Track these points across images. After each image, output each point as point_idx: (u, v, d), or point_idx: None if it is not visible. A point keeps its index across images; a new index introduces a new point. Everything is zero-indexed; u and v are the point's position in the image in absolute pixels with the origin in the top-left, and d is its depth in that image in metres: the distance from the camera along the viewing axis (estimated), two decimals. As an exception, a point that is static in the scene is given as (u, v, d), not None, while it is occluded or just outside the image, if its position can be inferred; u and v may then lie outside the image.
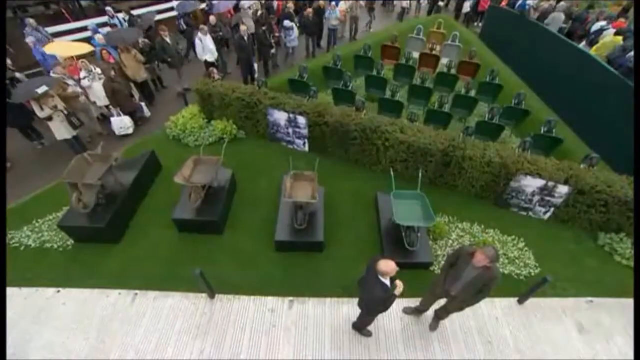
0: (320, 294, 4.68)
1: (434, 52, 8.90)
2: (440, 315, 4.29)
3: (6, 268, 3.99)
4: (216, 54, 7.95)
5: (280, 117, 6.54)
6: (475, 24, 13.89)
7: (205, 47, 7.60)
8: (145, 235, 5.24)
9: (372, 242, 5.29)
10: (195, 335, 4.25)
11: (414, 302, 4.55)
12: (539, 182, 5.48)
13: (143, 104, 7.35)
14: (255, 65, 7.96)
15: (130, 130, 6.95)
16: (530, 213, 5.98)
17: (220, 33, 8.45)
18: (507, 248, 5.41)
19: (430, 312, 4.52)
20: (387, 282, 3.36)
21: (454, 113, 7.57)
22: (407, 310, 4.58)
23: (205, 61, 7.75)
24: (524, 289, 4.76)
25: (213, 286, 4.58)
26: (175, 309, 4.48)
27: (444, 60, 9.10)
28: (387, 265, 3.20)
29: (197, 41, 7.63)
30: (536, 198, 5.72)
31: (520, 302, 4.81)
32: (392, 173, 5.54)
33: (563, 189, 5.43)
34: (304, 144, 6.81)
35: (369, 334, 4.31)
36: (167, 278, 4.73)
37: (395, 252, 4.94)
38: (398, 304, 4.65)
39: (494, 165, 5.64)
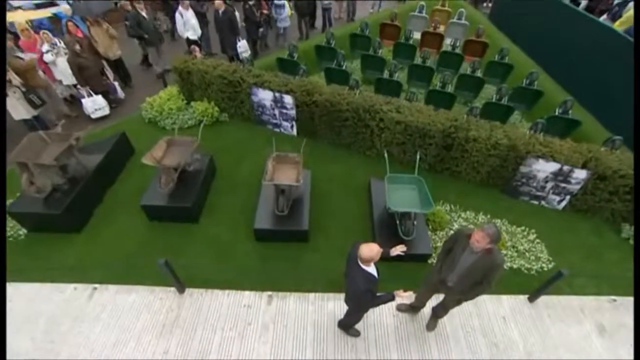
0: (304, 288, 4.34)
1: (437, 31, 8.49)
2: (438, 313, 3.91)
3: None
4: (199, 31, 7.61)
5: (265, 97, 6.20)
6: (485, 4, 13.47)
7: (187, 22, 7.25)
8: (111, 224, 4.92)
9: (363, 232, 4.93)
10: (159, 333, 3.91)
11: (408, 299, 4.17)
12: (553, 167, 5.07)
13: (117, 84, 7.02)
14: (241, 44, 7.57)
15: (107, 111, 6.60)
16: (543, 202, 5.57)
17: (205, 7, 8.10)
18: (516, 240, 5.03)
19: (427, 310, 4.15)
20: (373, 270, 2.99)
21: (459, 96, 7.18)
22: (401, 308, 4.21)
23: (187, 39, 7.43)
24: (536, 285, 4.38)
25: (183, 280, 4.25)
26: (139, 304, 4.14)
27: (448, 40, 8.69)
28: (370, 250, 2.83)
29: (177, 16, 7.27)
30: (550, 185, 5.31)
31: (531, 299, 4.42)
32: (386, 155, 5.18)
33: (581, 174, 5.02)
34: (292, 127, 6.47)
35: (356, 334, 3.94)
36: (133, 271, 4.39)
37: (388, 243, 4.43)
38: (391, 300, 4.28)
39: (501, 148, 5.24)
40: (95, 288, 4.27)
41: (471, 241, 2.89)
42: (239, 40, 7.41)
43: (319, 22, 10.80)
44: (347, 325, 3.87)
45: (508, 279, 4.58)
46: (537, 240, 5.06)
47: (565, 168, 5.01)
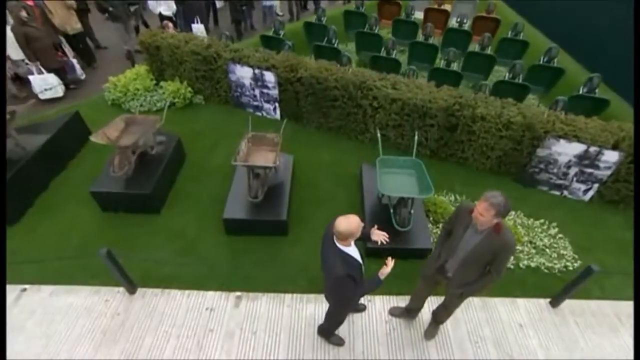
0: (279, 288, 3.92)
1: (442, 8, 8.19)
2: (438, 317, 3.44)
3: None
4: (174, 6, 7.32)
5: (244, 74, 5.85)
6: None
7: (159, -5, 6.98)
8: (55, 215, 4.50)
9: (352, 224, 4.50)
10: (99, 342, 3.45)
11: (405, 301, 3.72)
12: (576, 148, 4.65)
13: (75, 61, 6.69)
14: (196, 27, 7.21)
15: (60, 93, 6.23)
16: (566, 192, 5.14)
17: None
18: (534, 234, 4.61)
19: (427, 317, 3.69)
20: (354, 252, 2.57)
21: (466, 79, 6.81)
22: (395, 312, 3.74)
23: (160, 15, 7.14)
24: (559, 287, 3.92)
25: (136, 278, 3.83)
26: (77, 308, 3.69)
27: (454, 20, 8.38)
28: (349, 223, 2.40)
29: (148, -14, 7.03)
30: (573, 171, 4.89)
31: (554, 304, 3.97)
32: (379, 134, 4.79)
33: (611, 157, 4.59)
34: (275, 109, 6.11)
35: (340, 343, 3.47)
36: (75, 269, 3.96)
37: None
38: (382, 301, 3.84)
39: (514, 127, 4.82)
40: (24, 290, 3.82)
41: (474, 216, 2.46)
42: (196, 22, 7.11)
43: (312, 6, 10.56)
44: (329, 330, 3.41)
45: (525, 279, 4.16)
46: (560, 235, 4.64)
47: (592, 150, 4.59)
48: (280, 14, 9.46)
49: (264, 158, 4.48)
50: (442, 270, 2.95)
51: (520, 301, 3.99)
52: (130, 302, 3.77)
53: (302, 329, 3.59)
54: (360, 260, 2.62)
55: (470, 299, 3.91)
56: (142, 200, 4.44)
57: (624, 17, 7.01)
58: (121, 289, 3.84)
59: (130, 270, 3.79)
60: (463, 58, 7.02)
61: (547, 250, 4.46)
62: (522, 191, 5.18)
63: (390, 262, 2.67)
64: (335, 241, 2.50)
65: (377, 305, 3.82)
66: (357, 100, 5.43)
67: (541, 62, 6.56)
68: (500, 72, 7.48)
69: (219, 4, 9.19)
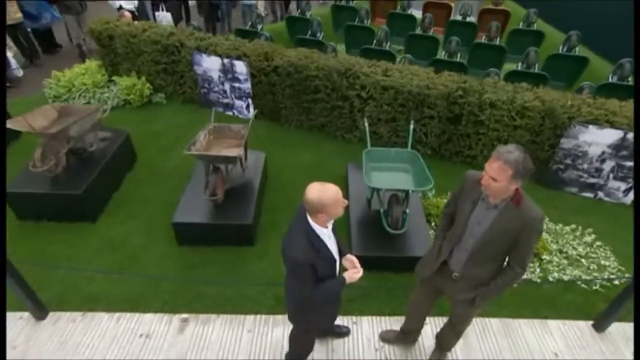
0: (239, 308, 3.49)
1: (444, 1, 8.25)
2: (444, 341, 2.98)
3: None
4: (136, 1, 7.33)
5: (211, 66, 5.69)
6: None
7: (119, -14, 6.96)
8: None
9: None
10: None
11: (399, 322, 3.24)
12: (611, 136, 4.37)
13: (11, 55, 6.51)
14: (161, 15, 7.15)
15: (-10, 90, 6.03)
16: (601, 194, 4.81)
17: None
18: (564, 242, 4.25)
19: (429, 341, 3.20)
20: (327, 238, 2.19)
21: (472, 74, 6.64)
22: (387, 337, 3.26)
23: (120, 9, 7.11)
24: (603, 306, 3.50)
25: (50, 299, 3.41)
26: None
27: (457, 15, 8.39)
28: (322, 191, 2.02)
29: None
30: (609, 165, 4.58)
31: (598, 327, 3.50)
32: (366, 124, 4.51)
33: (656, 145, 4.31)
34: (248, 106, 5.88)
35: (314, 378, 2.96)
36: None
37: (369, 245, 3.84)
38: (371, 323, 3.36)
39: (531, 115, 4.57)
40: None
41: (484, 185, 2.09)
42: (161, 9, 7.06)
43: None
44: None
45: (556, 296, 3.76)
46: (598, 243, 4.29)
47: (631, 137, 4.29)
48: (264, 13, 9.56)
49: (227, 151, 4.18)
50: (445, 271, 2.51)
51: (553, 324, 3.53)
52: (35, 330, 3.28)
53: (265, 358, 3.09)
54: (334, 254, 2.24)
55: (486, 320, 3.48)
56: (71, 204, 4.06)
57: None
58: (26, 314, 3.37)
59: (44, 290, 3.40)
60: (468, 52, 6.92)
61: (583, 260, 4.07)
62: (545, 193, 4.84)
63: (360, 272, 2.31)
64: (307, 215, 2.12)
65: (365, 329, 3.34)
66: (342, 91, 5.22)
67: (560, 51, 6.45)
68: (511, 68, 7.37)
69: (191, 3, 9.28)
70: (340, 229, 4.15)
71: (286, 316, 2.53)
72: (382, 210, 3.87)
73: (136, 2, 7.29)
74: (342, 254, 2.41)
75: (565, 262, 4.03)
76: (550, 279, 3.85)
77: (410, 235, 3.86)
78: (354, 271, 2.29)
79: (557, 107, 4.48)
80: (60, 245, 3.98)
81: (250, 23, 7.16)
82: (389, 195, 3.92)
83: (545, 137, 4.68)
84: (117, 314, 3.40)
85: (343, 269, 2.37)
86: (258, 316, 3.40)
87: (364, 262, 3.70)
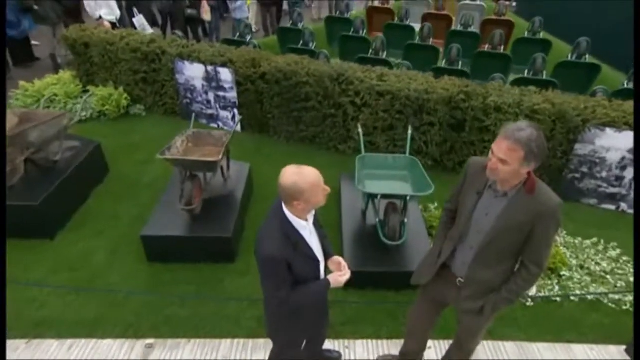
0: (215, 331, 3.28)
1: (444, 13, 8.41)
2: (451, 362, 2.73)
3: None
4: (118, 11, 7.40)
5: (194, 74, 5.69)
6: (508, 2, 13.98)
7: (100, -3, 7.05)
8: None
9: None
10: None
11: (398, 346, 3.01)
12: (631, 139, 4.28)
13: None
14: (137, 19, 7.27)
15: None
16: (624, 205, 4.69)
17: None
18: (585, 257, 4.12)
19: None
20: (307, 232, 2.04)
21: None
22: (385, 361, 3.01)
23: (100, 19, 7.18)
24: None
25: None
26: None
27: (458, 26, 8.54)
28: (298, 175, 1.87)
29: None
30: (630, 173, 4.47)
31: (631, 352, 3.25)
32: (360, 130, 4.42)
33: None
34: (234, 117, 5.81)
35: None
36: None
37: (364, 260, 3.68)
38: (365, 348, 3.13)
39: (541, 119, 4.50)
40: None
41: (490, 169, 1.95)
42: (136, 15, 7.15)
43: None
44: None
45: (580, 316, 3.55)
46: (625, 259, 4.14)
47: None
48: (255, 29, 9.73)
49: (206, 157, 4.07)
50: (448, 276, 2.32)
51: (578, 348, 3.30)
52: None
53: (241, 390, 2.85)
54: (316, 252, 2.08)
55: (500, 344, 3.26)
56: (27, 217, 3.88)
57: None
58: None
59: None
60: (470, 62, 6.96)
61: (609, 277, 3.91)
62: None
63: (347, 274, 2.14)
64: (282, 204, 1.97)
65: (359, 353, 3.11)
66: (335, 98, 5.18)
67: (570, 58, 6.51)
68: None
69: None
70: (332, 244, 4.02)
71: (268, 340, 2.33)
72: (377, 219, 3.71)
73: (118, 13, 7.40)
74: (328, 257, 2.24)
75: (588, 278, 3.86)
76: (572, 298, 3.65)
77: (410, 248, 3.71)
78: (340, 273, 2.12)
79: (569, 109, 4.41)
80: (9, 265, 3.76)
81: (238, 34, 7.22)
82: (385, 204, 3.78)
83: (557, 143, 4.59)
84: (69, 341, 3.16)
85: (329, 273, 2.20)
86: (235, 340, 3.17)
87: (359, 279, 3.59)
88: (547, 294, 3.66)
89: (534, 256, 2.05)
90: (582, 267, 3.98)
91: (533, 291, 3.65)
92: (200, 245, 3.81)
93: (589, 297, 3.69)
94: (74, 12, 7.37)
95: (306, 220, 2.02)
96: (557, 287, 3.72)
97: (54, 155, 4.40)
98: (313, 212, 2.10)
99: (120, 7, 7.77)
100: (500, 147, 1.87)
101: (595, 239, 4.30)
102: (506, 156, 1.85)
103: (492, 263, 2.14)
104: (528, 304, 3.57)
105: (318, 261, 2.08)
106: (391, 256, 3.66)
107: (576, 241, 4.26)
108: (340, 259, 2.22)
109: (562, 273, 3.81)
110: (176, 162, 3.80)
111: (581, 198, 4.75)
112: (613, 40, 8.03)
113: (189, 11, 8.48)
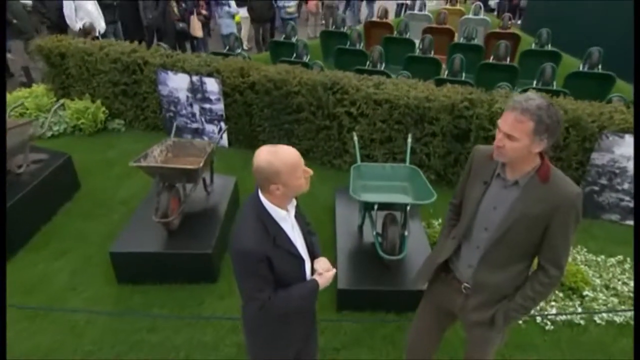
0: (190, 358, 3.08)
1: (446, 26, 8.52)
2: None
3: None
4: (102, 24, 7.46)
5: (178, 85, 5.68)
6: (512, 22, 14.28)
7: (81, 8, 7.09)
8: None
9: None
10: None
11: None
12: None
13: None
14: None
15: None
16: None
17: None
18: (610, 276, 3.99)
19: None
20: (287, 225, 1.93)
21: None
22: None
23: (81, 30, 7.25)
24: None
25: None
26: None
27: (461, 39, 8.65)
28: (273, 155, 1.76)
29: (64, -2, 7.16)
30: None
31: None
32: (355, 138, 4.36)
33: None
34: (220, 130, 5.75)
35: None
36: None
37: (360, 278, 3.58)
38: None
39: (553, 127, 4.43)
40: None
41: (497, 150, 1.84)
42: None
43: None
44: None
45: (608, 341, 3.40)
46: None
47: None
48: (247, 47, 9.86)
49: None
50: (451, 281, 2.17)
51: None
52: None
53: None
54: (299, 249, 1.95)
55: None
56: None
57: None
58: None
59: None
60: (475, 75, 6.98)
61: None
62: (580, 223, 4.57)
63: (331, 272, 2.04)
64: (259, 192, 1.85)
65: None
66: (329, 109, 5.14)
67: (581, 69, 6.56)
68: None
69: None
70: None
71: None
72: (374, 232, 3.57)
73: (103, 27, 7.47)
74: (314, 257, 2.10)
75: (615, 299, 3.71)
76: (598, 321, 3.49)
77: (411, 266, 3.56)
78: (325, 268, 2.02)
79: (583, 115, 4.37)
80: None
81: (227, 47, 7.26)
82: (383, 216, 3.65)
83: (571, 152, 4.52)
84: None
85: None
86: (213, 368, 2.98)
87: (354, 299, 3.45)
88: (568, 317, 3.49)
89: (552, 256, 1.91)
90: (607, 287, 3.83)
91: (553, 312, 3.48)
92: (176, 263, 3.67)
93: (617, 319, 3.51)
94: (60, 25, 7.47)
95: (287, 210, 1.90)
96: (579, 309, 3.54)
97: (18, 167, 4.29)
98: (294, 203, 1.97)
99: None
100: (506, 120, 1.78)
101: (620, 257, 4.19)
102: (513, 129, 1.74)
103: (502, 265, 2.00)
104: (547, 327, 3.39)
105: (302, 259, 1.95)
106: (391, 274, 3.53)
107: (599, 259, 4.13)
108: (325, 259, 2.09)
109: (584, 293, 3.65)
110: (152, 171, 3.67)
111: (602, 213, 4.63)
112: (622, 53, 8.13)
113: (181, 25, 8.64)
